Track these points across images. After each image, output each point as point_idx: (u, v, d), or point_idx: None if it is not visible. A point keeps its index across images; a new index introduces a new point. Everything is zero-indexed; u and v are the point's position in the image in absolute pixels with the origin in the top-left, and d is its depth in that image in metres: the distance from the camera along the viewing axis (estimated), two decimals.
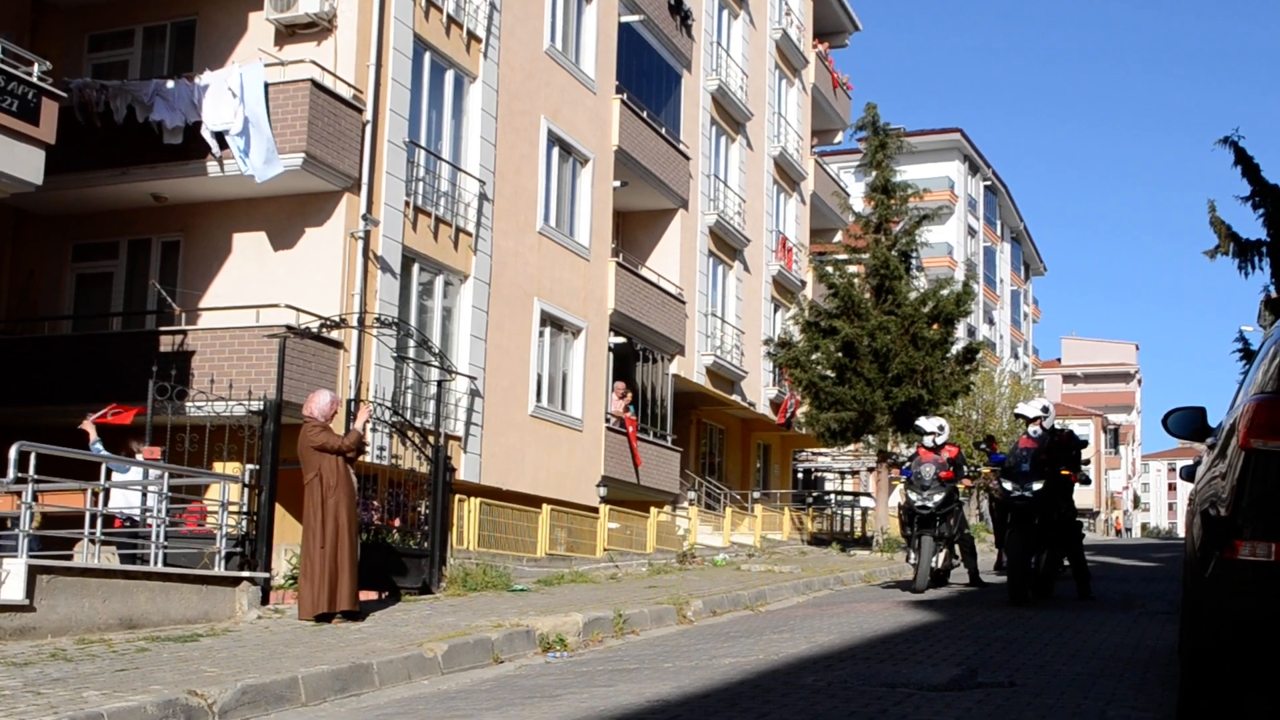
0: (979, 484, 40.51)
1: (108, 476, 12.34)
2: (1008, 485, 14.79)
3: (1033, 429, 15.44)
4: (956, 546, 17.60)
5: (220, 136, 19.08)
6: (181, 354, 18.83)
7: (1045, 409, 15.84)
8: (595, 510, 25.78)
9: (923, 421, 18.06)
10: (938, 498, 16.66)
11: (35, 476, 11.00)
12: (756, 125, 38.33)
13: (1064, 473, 15.12)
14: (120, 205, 21.04)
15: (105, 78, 20.77)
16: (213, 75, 19.32)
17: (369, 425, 14.59)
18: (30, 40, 20.50)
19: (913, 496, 16.87)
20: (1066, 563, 15.94)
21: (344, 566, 12.18)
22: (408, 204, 21.52)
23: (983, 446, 18.03)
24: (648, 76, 31.56)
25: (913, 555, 17.06)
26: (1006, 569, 14.98)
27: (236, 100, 18.87)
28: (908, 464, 17.78)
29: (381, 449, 18.53)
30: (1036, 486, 14.53)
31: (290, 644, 10.40)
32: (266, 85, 19.07)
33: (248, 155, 18.91)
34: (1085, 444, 16.91)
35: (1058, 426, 16.25)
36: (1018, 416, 16.53)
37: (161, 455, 14.13)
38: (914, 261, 32.26)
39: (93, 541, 12.31)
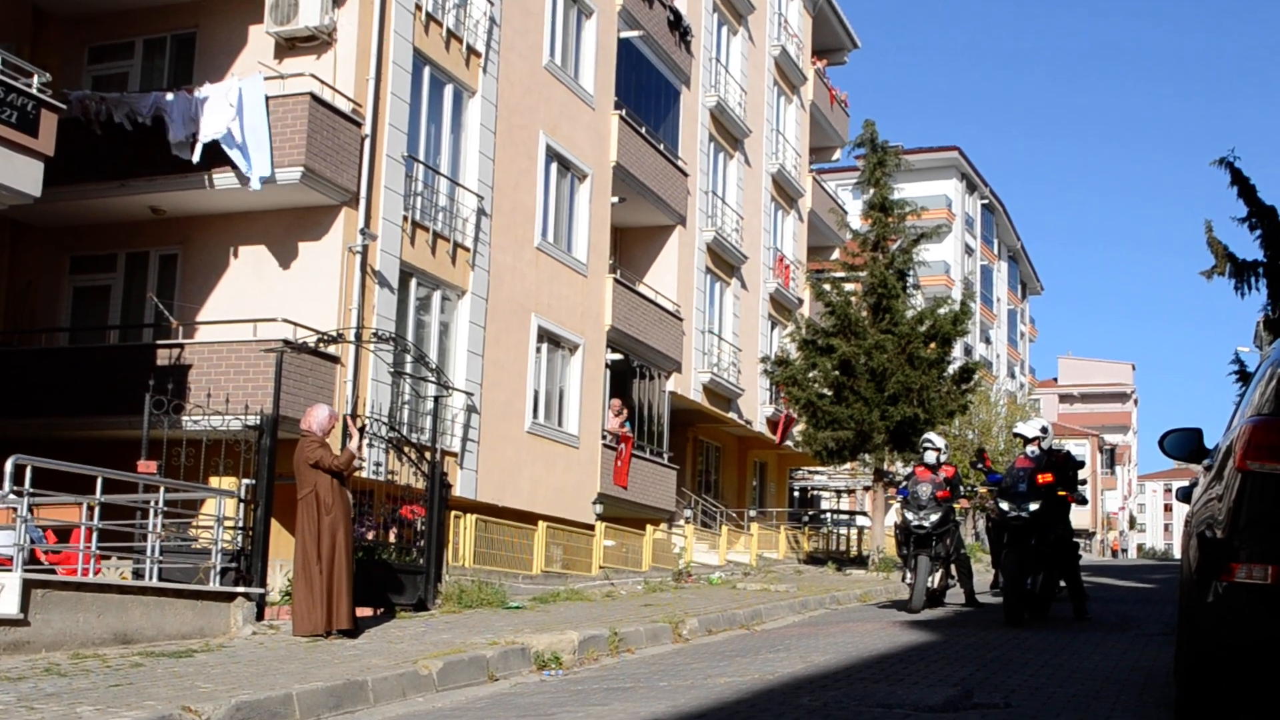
0: (975, 504, 40.50)
1: (105, 490, 12.30)
2: (1004, 506, 14.72)
3: (1030, 449, 15.38)
4: (953, 566, 17.57)
5: (218, 146, 19.08)
6: (178, 367, 18.82)
7: (1044, 429, 15.81)
8: (591, 528, 25.75)
9: (932, 436, 17.97)
10: (934, 517, 16.63)
11: (31, 490, 10.98)
12: (755, 142, 38.40)
13: (1060, 493, 15.10)
14: (119, 218, 21.05)
15: (105, 89, 20.80)
16: (212, 88, 19.34)
17: (364, 443, 14.56)
18: (30, 52, 20.53)
19: (909, 516, 16.82)
20: (1063, 584, 15.91)
21: (341, 585, 12.17)
22: (406, 219, 21.54)
23: (978, 466, 18.00)
24: (647, 92, 31.62)
25: (909, 575, 17.03)
26: (1002, 590, 14.92)
27: (234, 111, 18.88)
28: (904, 483, 17.74)
29: (378, 465, 18.52)
30: (1033, 507, 14.47)
31: (285, 660, 10.38)
32: (266, 98, 19.10)
33: (248, 163, 18.93)
34: (1082, 465, 16.87)
35: (1055, 447, 16.23)
36: (1016, 435, 16.49)
37: (158, 469, 14.09)
38: (911, 280, 32.28)
39: (88, 555, 12.29)
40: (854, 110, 49.74)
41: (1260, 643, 6.22)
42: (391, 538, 15.72)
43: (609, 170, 28.83)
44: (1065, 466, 15.56)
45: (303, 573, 12.17)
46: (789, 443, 37.89)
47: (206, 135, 19.03)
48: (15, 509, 11.07)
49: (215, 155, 19.21)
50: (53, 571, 12.03)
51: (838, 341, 30.42)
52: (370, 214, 20.55)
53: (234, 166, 19.10)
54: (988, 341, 77.05)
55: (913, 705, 8.14)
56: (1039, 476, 14.77)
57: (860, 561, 33.74)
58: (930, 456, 17.39)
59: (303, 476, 12.41)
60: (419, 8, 22.01)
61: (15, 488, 10.79)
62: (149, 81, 21.66)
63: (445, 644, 11.41)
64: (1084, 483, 17.17)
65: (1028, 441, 15.52)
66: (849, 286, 32.23)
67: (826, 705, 8.20)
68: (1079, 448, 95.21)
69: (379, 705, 9.10)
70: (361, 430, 14.13)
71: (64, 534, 13.81)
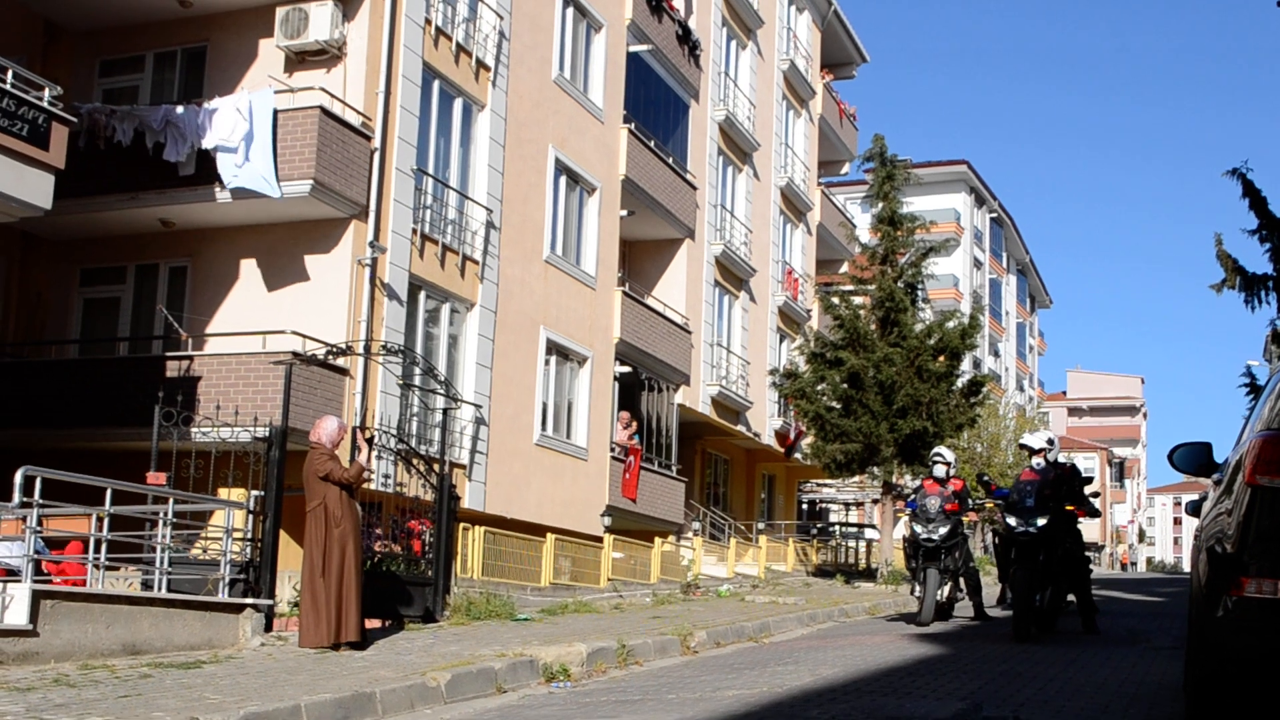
0: (984, 517, 40.41)
1: (114, 501, 12.33)
2: (1012, 521, 14.56)
3: (1036, 461, 15.21)
4: (961, 580, 17.45)
5: (225, 157, 19.12)
6: (187, 379, 18.86)
7: (1050, 441, 15.64)
8: (599, 540, 25.73)
9: (943, 450, 17.77)
10: (943, 530, 16.48)
11: (40, 501, 11.01)
12: (763, 155, 38.43)
13: (1068, 508, 15.00)
14: (128, 230, 21.11)
15: (116, 103, 20.87)
16: (222, 101, 19.40)
17: (373, 455, 14.57)
18: (41, 65, 20.61)
19: (918, 529, 16.69)
20: (1072, 598, 15.83)
21: (350, 598, 12.18)
22: (415, 231, 21.57)
23: (985, 479, 17.84)
24: (655, 106, 31.67)
25: (917, 588, 16.89)
26: (1012, 606, 14.74)
27: (245, 124, 18.92)
28: (912, 496, 17.64)
29: (387, 476, 18.53)
30: (1041, 522, 14.31)
31: (293, 672, 10.38)
32: (276, 112, 19.14)
33: (249, 171, 18.95)
34: (1090, 480, 16.70)
35: (1061, 460, 16.08)
36: (1022, 447, 16.30)
37: (167, 481, 14.13)
38: (920, 293, 32.26)
39: (97, 566, 12.31)
40: (863, 124, 49.84)
41: (1270, 656, 6.22)
42: (400, 549, 15.72)
43: (618, 183, 28.87)
44: (1071, 479, 15.38)
45: (310, 585, 12.19)
46: (796, 455, 37.86)
47: (212, 144, 19.06)
48: (25, 520, 11.10)
49: (222, 163, 19.24)
50: (48, 582, 12.06)
51: (846, 354, 30.40)
52: (379, 227, 20.58)
53: (232, 169, 19.07)
54: (996, 355, 76.94)
55: (921, 719, 8.13)
56: (1046, 491, 14.59)
57: (869, 574, 33.67)
58: (940, 470, 17.22)
59: (312, 489, 12.43)
60: (429, 22, 22.07)
61: (25, 499, 10.82)
62: (159, 95, 21.73)
63: (453, 656, 11.41)
64: (1097, 495, 16.96)
65: (1034, 453, 15.35)
66: (858, 300, 32.20)
67: (835, 718, 8.19)
68: (1088, 461, 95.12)
69: (387, 717, 9.10)
70: (370, 442, 14.15)
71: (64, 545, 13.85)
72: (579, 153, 27.27)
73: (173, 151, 19.33)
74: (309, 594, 12.18)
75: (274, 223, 20.19)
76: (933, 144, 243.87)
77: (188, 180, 19.55)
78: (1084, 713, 8.53)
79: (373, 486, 17.23)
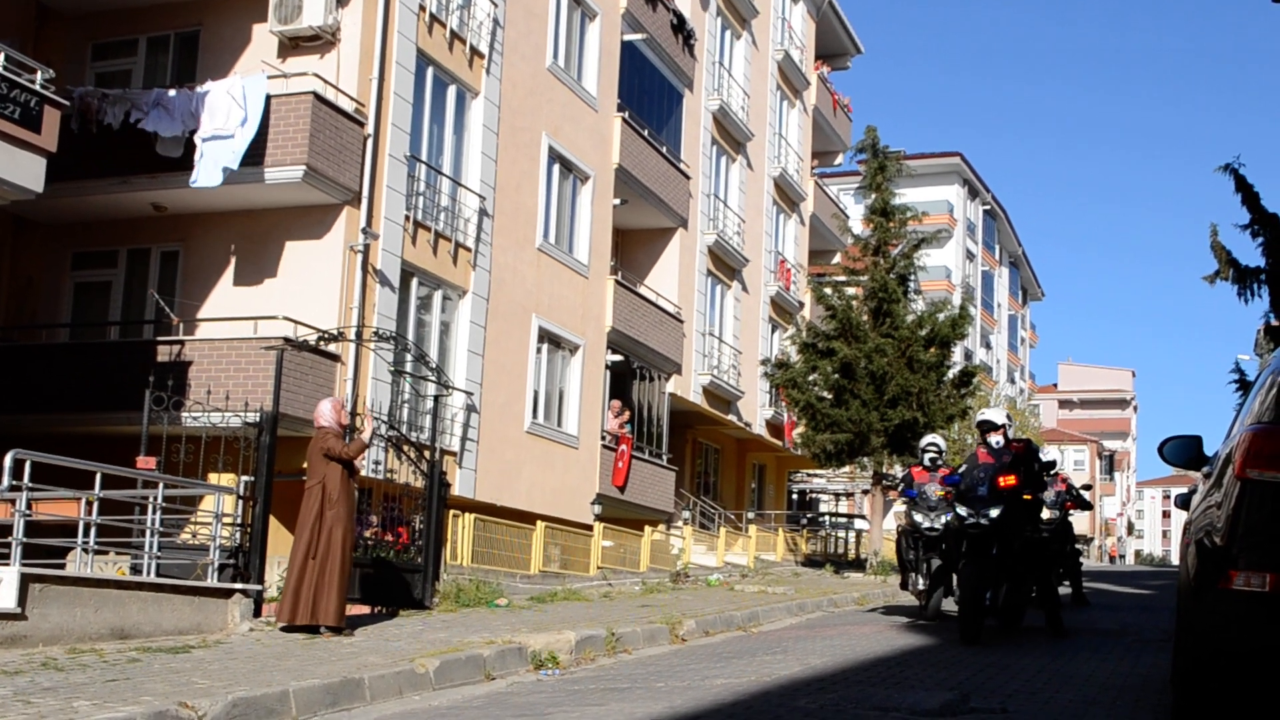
0: None
1: (104, 485, 12.31)
2: (963, 511, 13.25)
3: (995, 439, 13.62)
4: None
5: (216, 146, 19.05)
6: (179, 364, 18.82)
7: (1008, 417, 14.28)
8: (589, 528, 25.74)
9: (936, 439, 17.36)
10: (945, 519, 16.10)
11: (30, 485, 10.99)
12: (757, 146, 38.41)
13: (1026, 496, 13.48)
14: (120, 214, 21.05)
15: (108, 87, 20.80)
16: (214, 85, 19.33)
17: (373, 435, 14.58)
18: (34, 48, 20.53)
19: (918, 518, 16.25)
20: (1068, 587, 15.39)
21: (333, 582, 12.16)
22: (408, 218, 21.54)
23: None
24: (649, 95, 31.63)
25: (920, 580, 16.44)
26: (959, 604, 13.43)
27: (241, 110, 18.86)
28: (901, 484, 17.31)
29: (377, 463, 18.52)
30: (994, 513, 12.99)
31: (281, 657, 10.38)
32: (269, 97, 19.09)
33: (224, 162, 18.90)
34: (1052, 465, 15.82)
35: (1014, 437, 15.03)
36: (981, 424, 14.20)
37: (157, 465, 14.10)
38: (912, 284, 32.29)
39: (86, 550, 12.29)
40: (857, 115, 49.75)
41: (1258, 650, 6.23)
42: (392, 536, 15.71)
43: (611, 172, 28.84)
44: (1028, 458, 13.78)
45: (294, 563, 12.18)
46: (792, 445, 37.90)
47: (208, 133, 19.00)
48: (14, 503, 11.08)
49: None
50: None
51: (838, 345, 30.43)
52: (372, 213, 20.55)
53: (199, 161, 19.03)
54: (988, 347, 77.05)
55: (910, 709, 8.13)
56: (1000, 479, 13.11)
57: (858, 565, 33.75)
58: (927, 460, 16.88)
59: (313, 467, 12.44)
60: (423, 8, 22.02)
61: (14, 482, 10.81)
62: (152, 79, 21.66)
63: (442, 643, 11.41)
64: (1088, 487, 16.58)
65: (994, 429, 13.72)
66: (850, 290, 32.22)
67: (823, 708, 8.20)
68: (1078, 454, 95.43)
69: (375, 703, 9.10)
70: (375, 430, 14.16)
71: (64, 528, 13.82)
72: (572, 141, 27.24)
73: (165, 134, 19.26)
74: (293, 571, 12.18)
75: (266, 208, 20.16)
76: (926, 136, 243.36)
77: (179, 164, 19.47)
78: (1072, 704, 8.54)
79: (364, 473, 17.21)
